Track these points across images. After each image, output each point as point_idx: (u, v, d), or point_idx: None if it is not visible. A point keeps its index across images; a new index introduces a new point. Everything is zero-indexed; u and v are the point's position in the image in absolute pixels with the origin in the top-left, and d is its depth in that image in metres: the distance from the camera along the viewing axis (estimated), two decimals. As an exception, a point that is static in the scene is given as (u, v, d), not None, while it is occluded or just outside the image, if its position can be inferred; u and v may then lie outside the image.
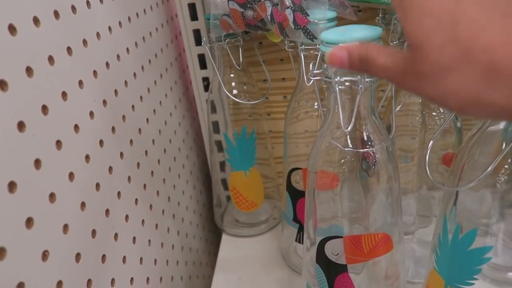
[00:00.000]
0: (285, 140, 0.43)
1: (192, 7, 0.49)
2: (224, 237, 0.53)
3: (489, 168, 0.25)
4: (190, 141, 0.57)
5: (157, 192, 0.42)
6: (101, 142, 0.32)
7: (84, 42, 0.31)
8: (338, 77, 0.26)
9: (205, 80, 0.53)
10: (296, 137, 0.42)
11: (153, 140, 0.43)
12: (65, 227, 0.26)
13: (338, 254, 0.30)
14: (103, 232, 0.30)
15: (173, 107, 0.51)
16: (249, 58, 0.50)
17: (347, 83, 0.27)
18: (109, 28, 0.35)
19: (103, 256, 0.30)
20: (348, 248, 0.30)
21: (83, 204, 0.28)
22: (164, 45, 0.50)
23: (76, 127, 0.28)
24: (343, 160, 0.30)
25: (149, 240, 0.39)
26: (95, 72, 0.32)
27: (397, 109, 0.39)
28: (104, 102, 0.33)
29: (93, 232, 0.29)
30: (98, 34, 0.33)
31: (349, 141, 0.29)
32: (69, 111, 0.28)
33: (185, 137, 0.54)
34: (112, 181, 0.33)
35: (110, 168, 0.33)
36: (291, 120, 0.42)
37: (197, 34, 0.50)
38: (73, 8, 0.30)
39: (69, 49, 0.29)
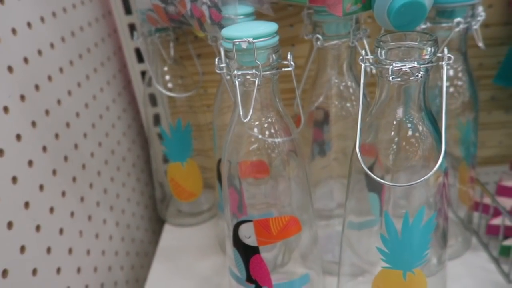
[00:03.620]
0: (214, 132, 0.44)
1: (125, 2, 0.49)
2: (166, 227, 0.54)
3: (435, 168, 0.27)
4: (133, 134, 0.57)
5: (90, 184, 0.43)
6: (18, 136, 0.32)
7: (-4, 38, 0.31)
8: (236, 71, 0.28)
9: (145, 73, 0.54)
10: (225, 129, 0.44)
11: (84, 134, 0.43)
12: (-26, 220, 0.27)
13: (250, 237, 0.32)
14: (20, 224, 0.31)
15: (111, 101, 0.51)
16: (185, 52, 0.51)
17: (247, 76, 0.29)
18: (28, 23, 0.36)
19: (22, 247, 0.31)
20: (258, 231, 0.32)
21: (-4, 197, 0.29)
22: (99, 40, 0.50)
23: (-13, 122, 0.29)
24: (251, 149, 0.32)
25: (80, 231, 0.40)
26: (10, 68, 0.32)
27: (320, 100, 0.41)
28: (22, 97, 0.33)
29: (9, 224, 0.30)
30: (13, 30, 0.33)
31: (256, 131, 0.31)
32: (-23, 106, 0.28)
33: (127, 131, 0.55)
34: (32, 174, 0.33)
35: (30, 162, 0.33)
36: (220, 112, 0.43)
37: (132, 28, 0.51)
38: (-17, 5, 0.30)
39: (-23, 45, 0.29)
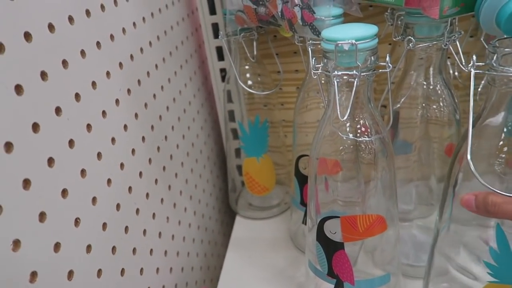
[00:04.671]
0: (294, 129, 0.45)
1: (211, 2, 0.52)
2: (238, 219, 0.57)
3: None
4: (208, 129, 0.60)
5: (176, 174, 0.46)
6: (125, 126, 0.35)
7: (112, 37, 0.34)
8: (336, 71, 0.29)
9: (223, 71, 0.56)
10: (305, 127, 0.45)
11: (172, 127, 0.46)
12: (94, 200, 0.30)
13: (335, 232, 0.33)
14: (126, 206, 0.34)
15: (192, 96, 0.54)
16: (264, 51, 0.53)
17: (344, 77, 0.30)
18: (134, 23, 0.39)
19: (126, 228, 0.34)
20: (345, 227, 0.33)
21: (109, 181, 0.32)
22: (185, 38, 0.53)
23: (104, 113, 0.32)
24: (341, 148, 0.33)
25: (167, 217, 0.43)
26: (120, 64, 0.35)
27: (402, 100, 0.41)
28: (129, 91, 0.37)
29: (117, 206, 0.33)
30: (123, 30, 0.37)
31: (347, 130, 0.32)
32: (97, 98, 0.31)
33: (203, 125, 0.58)
34: (134, 161, 0.37)
35: (133, 150, 0.37)
36: (300, 110, 0.44)
37: (215, 27, 0.53)
38: (102, 7, 0.33)
39: (98, 44, 0.32)
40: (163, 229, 0.41)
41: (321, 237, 0.34)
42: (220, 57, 0.55)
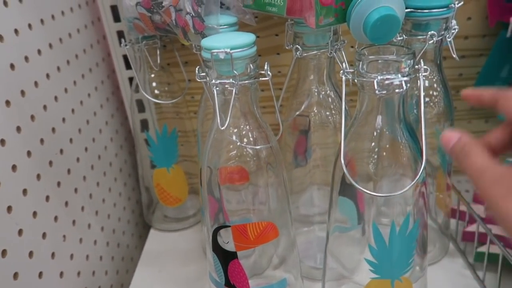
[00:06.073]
0: (198, 139, 0.45)
1: (114, 9, 0.50)
2: (152, 232, 0.55)
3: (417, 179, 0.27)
4: (121, 140, 0.58)
5: (75, 189, 0.44)
6: (2, 141, 0.33)
7: (-18, 44, 0.32)
8: (214, 80, 0.29)
9: (133, 79, 0.54)
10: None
11: (71, 139, 0.44)
12: (-45, 223, 0.27)
13: (228, 242, 0.33)
14: (3, 228, 0.32)
15: (99, 106, 0.52)
16: (172, 59, 0.52)
17: (226, 85, 0.30)
18: (15, 30, 0.36)
19: (3, 251, 0.32)
20: (236, 236, 0.33)
21: (-22, 201, 0.30)
22: (88, 46, 0.51)
23: (-30, 127, 0.30)
24: (230, 156, 0.33)
25: (64, 236, 0.40)
26: (-5, 74, 0.33)
27: (301, 108, 0.42)
28: (8, 102, 0.34)
29: (-9, 228, 0.31)
30: (0, 37, 0.34)
31: (234, 138, 0.32)
32: (-40, 111, 0.29)
33: (114, 136, 0.56)
34: (16, 179, 0.34)
35: (14, 167, 0.34)
36: (203, 119, 0.44)
37: (122, 35, 0.52)
38: (-31, 12, 0.31)
39: (-38, 52, 0.30)
40: (57, 249, 0.39)
41: (216, 247, 0.34)
42: (128, 66, 0.54)
